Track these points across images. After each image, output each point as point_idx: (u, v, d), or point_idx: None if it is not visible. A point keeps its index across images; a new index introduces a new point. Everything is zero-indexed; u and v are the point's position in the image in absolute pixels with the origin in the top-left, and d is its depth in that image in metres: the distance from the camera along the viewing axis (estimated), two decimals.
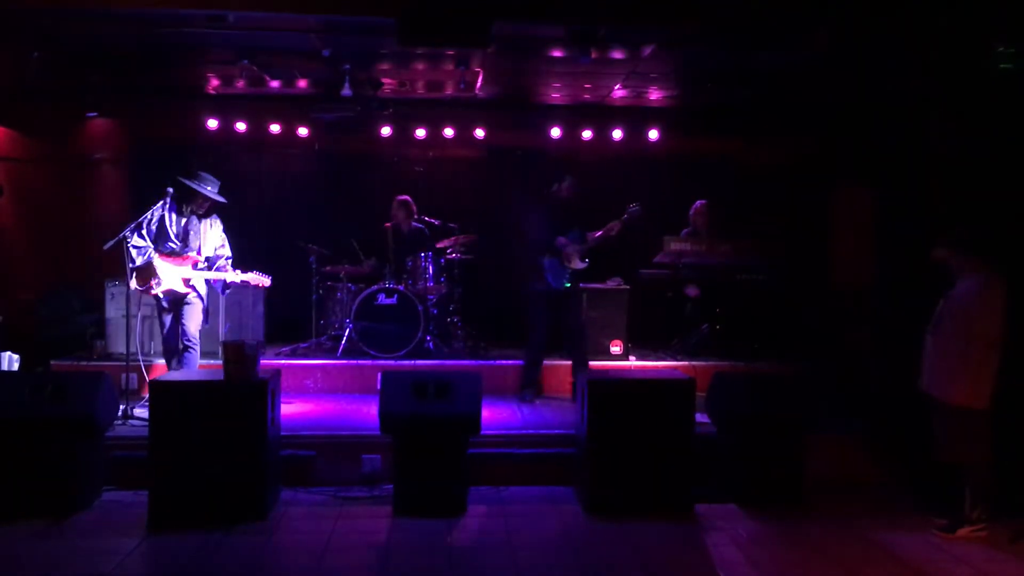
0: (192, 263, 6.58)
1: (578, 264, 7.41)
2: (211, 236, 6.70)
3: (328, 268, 8.76)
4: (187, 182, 6.61)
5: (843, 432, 6.41)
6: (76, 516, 5.28)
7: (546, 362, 8.10)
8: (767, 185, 9.93)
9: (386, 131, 9.62)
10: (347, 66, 7.70)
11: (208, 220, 6.73)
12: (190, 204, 6.66)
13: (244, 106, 9.43)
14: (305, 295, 8.82)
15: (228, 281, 6.68)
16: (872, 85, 7.26)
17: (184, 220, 6.65)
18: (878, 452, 6.26)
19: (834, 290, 9.17)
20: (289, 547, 4.85)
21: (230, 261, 6.78)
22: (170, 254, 6.58)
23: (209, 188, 6.66)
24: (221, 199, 6.72)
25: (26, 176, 9.16)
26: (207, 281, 6.70)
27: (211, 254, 6.69)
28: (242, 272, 6.68)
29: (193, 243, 6.63)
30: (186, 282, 6.57)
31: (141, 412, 6.40)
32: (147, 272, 6.50)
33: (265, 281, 6.75)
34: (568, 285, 7.41)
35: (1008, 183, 6.05)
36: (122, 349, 7.06)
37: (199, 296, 6.66)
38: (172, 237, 6.60)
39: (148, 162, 9.23)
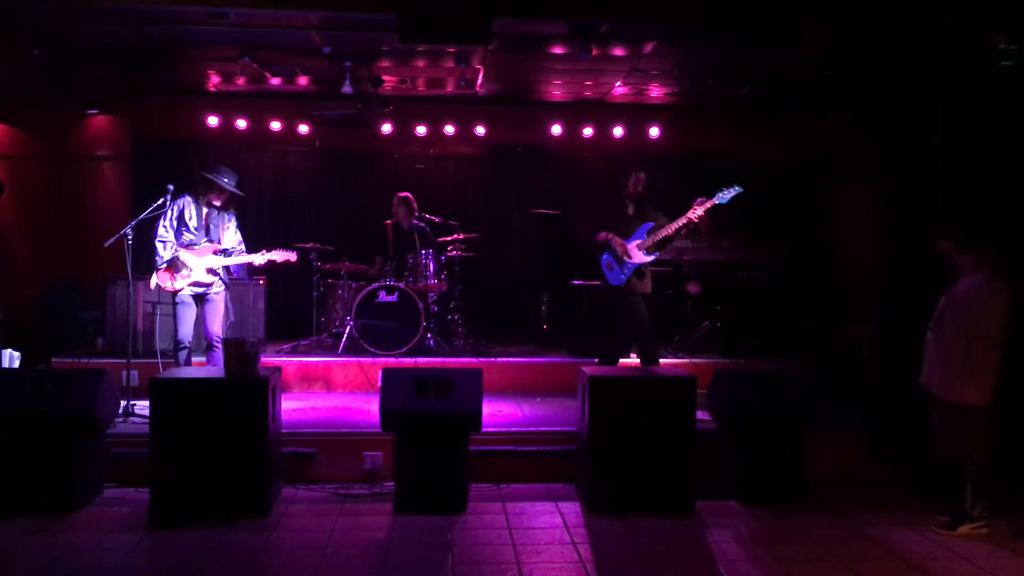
0: (214, 251, 6.65)
1: (640, 257, 6.78)
2: (227, 231, 6.76)
3: (329, 265, 8.76)
4: (207, 174, 6.70)
5: (845, 429, 6.41)
6: (77, 513, 5.28)
7: (549, 360, 8.11)
8: (768, 182, 9.93)
9: (387, 128, 9.63)
10: (348, 63, 7.71)
11: (225, 215, 6.78)
12: (208, 197, 6.70)
13: (245, 103, 9.45)
14: (306, 292, 8.82)
15: (256, 264, 6.72)
16: (873, 82, 7.24)
17: (205, 212, 6.71)
18: (879, 449, 6.26)
19: (836, 287, 9.18)
20: (290, 544, 4.85)
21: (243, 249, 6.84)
22: (189, 245, 6.62)
23: (226, 180, 6.71)
24: (238, 192, 6.80)
25: (27, 173, 9.18)
26: (229, 274, 6.78)
27: (230, 247, 6.75)
28: (266, 252, 6.73)
29: (213, 234, 6.71)
30: (210, 271, 6.61)
31: (142, 409, 6.39)
32: (172, 266, 6.55)
33: (291, 256, 6.81)
34: (624, 280, 6.82)
35: (1010, 180, 6.05)
36: (123, 346, 7.05)
37: (224, 285, 6.72)
38: (192, 229, 6.65)
39: (149, 160, 9.26)
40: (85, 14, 6.55)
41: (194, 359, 6.90)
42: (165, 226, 6.57)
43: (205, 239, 6.67)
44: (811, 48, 6.70)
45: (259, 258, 6.70)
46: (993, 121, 6.21)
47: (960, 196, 6.31)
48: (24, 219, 9.14)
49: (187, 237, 6.64)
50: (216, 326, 6.72)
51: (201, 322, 6.73)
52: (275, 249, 6.76)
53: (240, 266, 6.74)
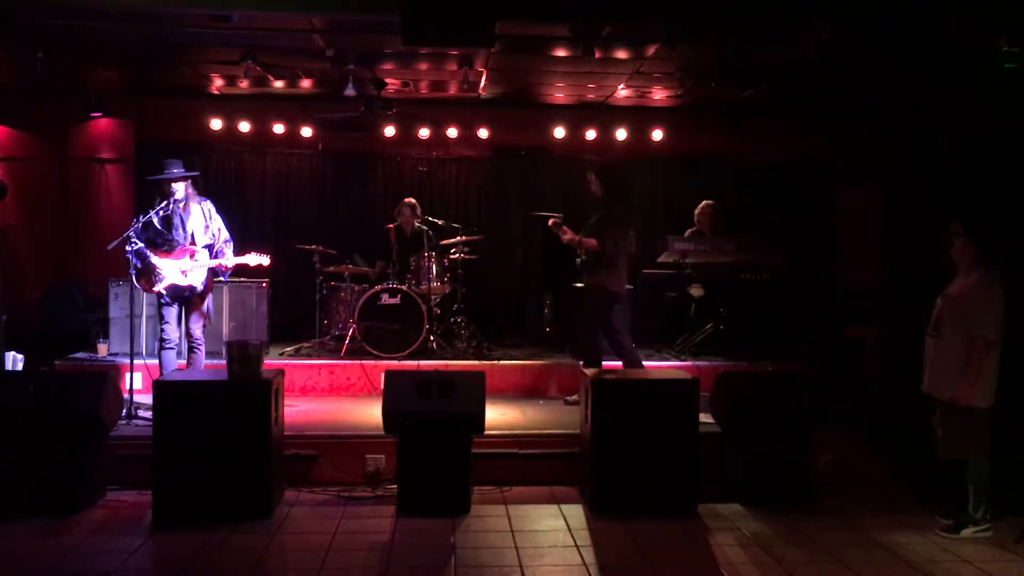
0: (189, 254, 6.57)
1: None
2: (200, 221, 6.64)
3: (332, 268, 8.76)
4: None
5: (848, 431, 6.39)
6: (80, 515, 5.28)
7: (552, 362, 8.10)
8: (772, 183, 9.95)
9: (390, 131, 9.62)
10: (351, 66, 7.71)
11: (197, 207, 6.67)
12: (167, 195, 6.59)
13: (248, 106, 9.45)
14: (309, 295, 8.82)
15: (229, 266, 6.64)
16: (877, 84, 7.25)
17: (168, 212, 6.58)
18: (883, 451, 6.25)
19: (839, 289, 9.17)
20: (293, 546, 4.85)
21: (230, 244, 6.74)
22: (167, 251, 6.57)
23: (175, 170, 6.60)
24: (188, 173, 6.68)
25: (31, 175, 9.20)
26: (212, 274, 6.70)
27: (209, 240, 6.66)
28: (237, 256, 6.66)
29: (180, 234, 6.60)
30: (184, 274, 6.54)
31: (145, 412, 6.39)
32: (147, 271, 6.52)
33: (264, 260, 6.71)
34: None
35: (1013, 181, 6.04)
36: (126, 348, 7.06)
37: (202, 288, 6.63)
38: (160, 233, 6.58)
39: (152, 162, 9.21)
40: (89, 16, 6.56)
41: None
42: (131, 236, 6.48)
43: (177, 239, 6.58)
44: (813, 50, 6.69)
45: (229, 260, 6.61)
46: (995, 123, 6.21)
47: (962, 197, 6.31)
48: (27, 221, 9.15)
49: (161, 242, 6.57)
50: (197, 328, 6.69)
51: (182, 320, 6.71)
52: (249, 252, 6.69)
53: (228, 272, 6.67)
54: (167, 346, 6.68)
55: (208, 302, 6.79)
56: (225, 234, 6.75)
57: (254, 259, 6.68)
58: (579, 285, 7.61)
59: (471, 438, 5.55)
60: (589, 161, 10.14)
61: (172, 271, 6.53)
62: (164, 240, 6.58)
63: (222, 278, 6.79)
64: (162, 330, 6.68)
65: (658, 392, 5.60)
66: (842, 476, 6.11)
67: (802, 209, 9.82)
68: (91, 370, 7.42)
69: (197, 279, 6.60)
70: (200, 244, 6.63)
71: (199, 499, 5.21)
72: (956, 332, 5.11)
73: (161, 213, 6.56)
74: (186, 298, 6.65)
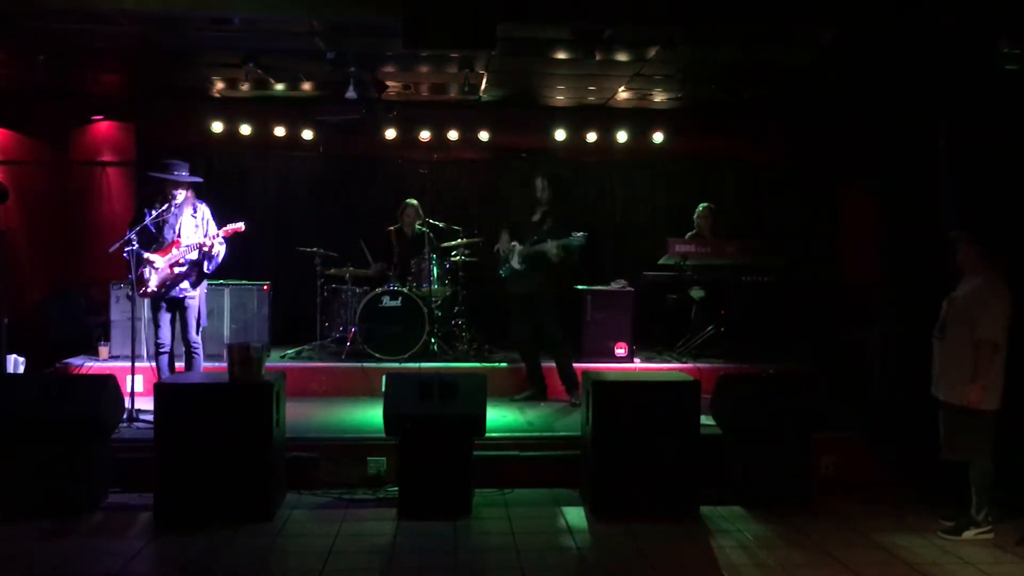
0: (175, 245, 6.59)
1: (516, 262, 7.53)
2: (191, 221, 6.65)
3: (333, 270, 8.76)
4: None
5: (850, 433, 6.39)
6: (82, 517, 5.28)
7: (550, 364, 8.09)
8: (773, 184, 9.94)
9: (390, 134, 9.62)
10: (352, 68, 7.72)
11: (191, 209, 6.68)
12: (166, 196, 6.62)
13: (249, 109, 9.44)
14: (310, 297, 8.81)
15: (208, 246, 6.57)
16: (875, 84, 7.24)
17: (164, 213, 6.61)
18: (885, 453, 6.24)
19: (841, 290, 9.16)
20: (294, 549, 4.85)
21: (221, 245, 6.71)
22: (158, 250, 6.59)
23: (178, 172, 6.63)
24: (193, 179, 6.73)
25: (32, 179, 9.20)
26: (200, 274, 6.68)
27: (199, 239, 6.63)
28: (214, 236, 6.64)
29: (169, 234, 6.63)
30: (172, 266, 6.56)
31: (147, 414, 6.39)
32: (141, 272, 6.54)
33: (239, 227, 6.67)
34: (505, 276, 7.62)
35: (1014, 182, 6.04)
36: (127, 351, 7.06)
37: (183, 274, 6.61)
38: (152, 233, 6.60)
39: (154, 165, 9.26)
40: (90, 19, 6.57)
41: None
42: (131, 238, 6.46)
43: (165, 240, 6.61)
44: (813, 51, 6.69)
45: (206, 239, 6.59)
46: (995, 124, 6.20)
47: (962, 199, 6.30)
48: (29, 224, 9.15)
49: (158, 240, 6.60)
50: (193, 331, 6.72)
51: (180, 327, 6.74)
52: (223, 227, 6.66)
53: (215, 259, 6.67)
54: (162, 351, 6.73)
55: (202, 305, 6.81)
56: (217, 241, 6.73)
57: (229, 228, 6.63)
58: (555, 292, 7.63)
59: (472, 440, 5.55)
60: (589, 163, 10.20)
61: (161, 264, 6.56)
62: (155, 241, 6.62)
63: (208, 268, 6.72)
64: (157, 335, 6.72)
65: (659, 394, 5.60)
66: (843, 478, 6.11)
67: (802, 210, 9.82)
68: (92, 373, 7.42)
69: (182, 272, 6.61)
70: (186, 242, 6.63)
71: (201, 502, 5.21)
72: (961, 334, 5.11)
73: (156, 216, 6.59)
74: (177, 301, 6.67)
